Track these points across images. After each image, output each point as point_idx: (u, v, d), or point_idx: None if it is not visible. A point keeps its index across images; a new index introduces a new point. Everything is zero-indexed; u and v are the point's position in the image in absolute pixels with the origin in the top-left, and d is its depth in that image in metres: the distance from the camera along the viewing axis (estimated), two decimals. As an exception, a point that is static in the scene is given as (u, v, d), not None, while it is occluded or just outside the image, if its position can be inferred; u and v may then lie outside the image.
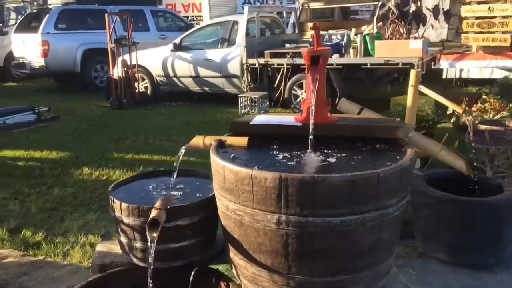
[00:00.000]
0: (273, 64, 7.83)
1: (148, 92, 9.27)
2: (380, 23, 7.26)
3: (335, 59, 7.30)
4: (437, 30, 9.49)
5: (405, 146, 1.96)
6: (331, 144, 2.07)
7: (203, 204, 2.03)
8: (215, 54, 8.47)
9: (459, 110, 3.13)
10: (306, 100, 2.16)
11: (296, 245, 1.69)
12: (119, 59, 8.66)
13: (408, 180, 1.85)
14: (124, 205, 1.97)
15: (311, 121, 2.00)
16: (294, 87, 7.79)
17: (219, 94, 8.69)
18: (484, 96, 6.91)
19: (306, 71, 2.18)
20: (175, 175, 2.19)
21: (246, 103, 7.81)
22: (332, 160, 1.91)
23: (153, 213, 1.86)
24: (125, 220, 1.98)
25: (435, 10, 7.38)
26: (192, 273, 1.96)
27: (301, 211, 1.65)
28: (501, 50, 7.64)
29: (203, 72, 8.59)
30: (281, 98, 7.83)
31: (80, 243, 3.27)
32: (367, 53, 7.28)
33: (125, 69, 8.73)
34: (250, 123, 2.21)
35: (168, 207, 1.93)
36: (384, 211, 1.71)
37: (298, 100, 7.77)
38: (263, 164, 1.87)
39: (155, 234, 1.81)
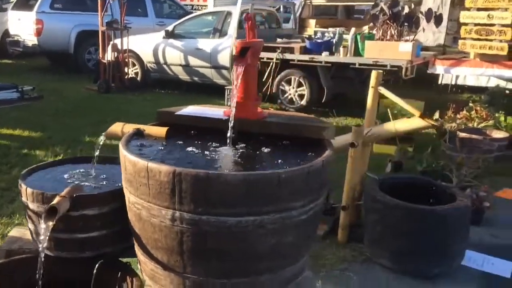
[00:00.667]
0: (263, 58, 7.71)
1: (138, 78, 9.19)
2: (371, 24, 7.13)
3: (324, 57, 7.19)
4: (434, 34, 9.33)
5: (327, 148, 1.87)
6: (254, 141, 1.98)
7: (115, 194, 1.95)
8: (206, 44, 8.36)
9: (416, 114, 3.01)
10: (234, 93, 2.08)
11: (191, 243, 1.62)
12: (110, 43, 8.59)
13: (320, 182, 1.76)
14: (29, 190, 1.89)
15: (232, 115, 1.92)
16: (283, 83, 7.68)
17: (208, 84, 8.59)
18: (471, 104, 6.79)
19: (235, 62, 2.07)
20: (95, 162, 2.12)
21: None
22: (245, 157, 1.83)
23: (54, 201, 1.79)
24: (31, 206, 1.91)
25: (428, 14, 7.23)
26: (96, 266, 1.88)
27: (195, 209, 1.57)
28: (498, 59, 7.50)
29: (193, 61, 8.49)
30: (268, 93, 7.72)
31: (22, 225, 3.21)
32: (357, 53, 7.16)
33: (115, 53, 8.65)
34: (175, 113, 2.13)
35: (74, 195, 1.86)
36: (287, 214, 1.63)
37: (285, 95, 7.67)
38: (173, 157, 1.79)
39: (50, 223, 1.74)
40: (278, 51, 7.51)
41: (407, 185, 3.36)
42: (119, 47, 8.68)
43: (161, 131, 1.97)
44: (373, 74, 3.26)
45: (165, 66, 8.83)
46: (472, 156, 4.61)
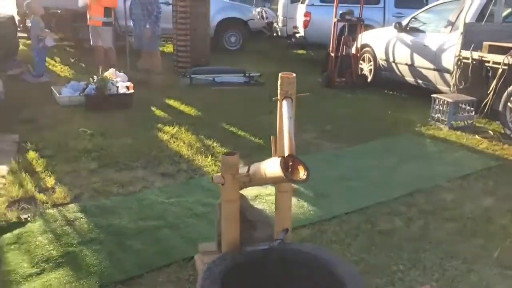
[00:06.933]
0: (488, 62, 5.66)
1: (370, 75, 8.34)
2: None
3: None
4: None
5: None
6: None
7: None
8: (433, 40, 6.76)
9: (286, 152, 1.63)
10: None
11: None
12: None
13: None
14: None
15: None
16: (512, 99, 5.46)
17: (432, 90, 6.96)
18: None
19: None
20: None
21: (438, 107, 6.03)
22: None
23: None
24: None
25: None
26: None
27: None
28: None
29: (418, 61, 7.03)
30: (488, 107, 5.64)
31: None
32: None
33: (346, 46, 8.13)
34: None
35: None
36: None
37: (516, 115, 5.44)
38: None
39: None
40: (509, 53, 5.34)
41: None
42: (352, 40, 8.11)
43: None
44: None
45: (393, 64, 7.69)
46: None
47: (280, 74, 2.16)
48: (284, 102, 2.05)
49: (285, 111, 2.00)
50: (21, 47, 9.61)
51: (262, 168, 1.99)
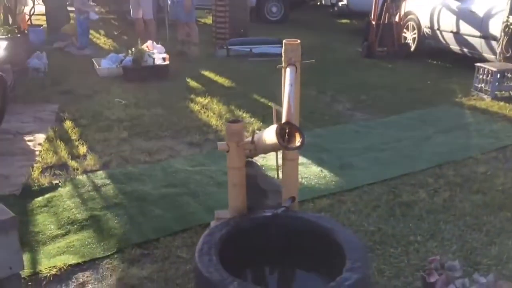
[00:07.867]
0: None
1: (413, 44, 7.99)
2: None
3: None
4: None
5: None
6: None
7: None
8: (480, 6, 6.36)
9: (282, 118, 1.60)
10: None
11: None
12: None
13: None
14: None
15: None
16: None
17: (477, 59, 6.60)
18: None
19: None
20: None
21: (482, 77, 5.72)
22: None
23: None
24: None
25: None
26: None
27: None
28: None
29: (463, 28, 6.66)
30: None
31: None
32: None
33: (388, 14, 7.80)
34: None
35: None
36: None
37: None
38: None
39: None
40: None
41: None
42: (394, 8, 7.76)
43: None
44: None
45: (438, 31, 7.32)
46: None
47: (284, 41, 2.12)
48: (288, 69, 2.03)
49: (287, 78, 1.97)
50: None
51: (263, 136, 1.99)
